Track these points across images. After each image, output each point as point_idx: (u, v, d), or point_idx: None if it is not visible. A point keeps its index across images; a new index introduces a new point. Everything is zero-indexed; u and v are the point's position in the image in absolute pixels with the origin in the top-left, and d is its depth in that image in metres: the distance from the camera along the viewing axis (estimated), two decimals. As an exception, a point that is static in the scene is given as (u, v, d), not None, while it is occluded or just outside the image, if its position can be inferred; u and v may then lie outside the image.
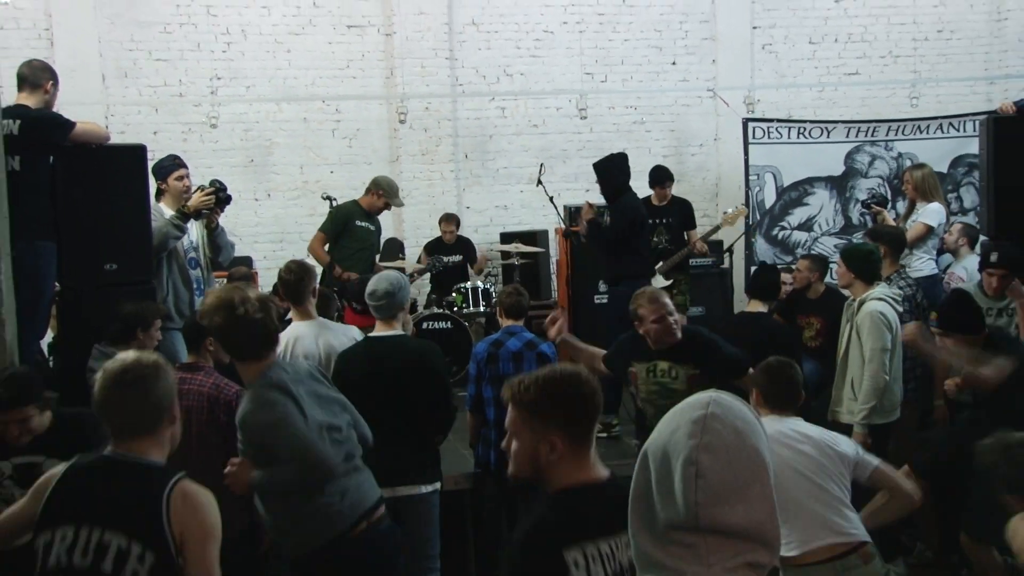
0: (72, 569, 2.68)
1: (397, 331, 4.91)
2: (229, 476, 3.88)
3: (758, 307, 6.22)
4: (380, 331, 4.90)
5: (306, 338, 4.93)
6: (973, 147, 8.33)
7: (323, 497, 3.70)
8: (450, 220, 9.35)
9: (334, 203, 8.23)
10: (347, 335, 5.13)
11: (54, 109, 5.64)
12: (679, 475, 1.53)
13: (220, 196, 6.25)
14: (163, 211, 5.96)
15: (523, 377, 2.50)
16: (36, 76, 5.44)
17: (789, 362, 4.49)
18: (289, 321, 5.01)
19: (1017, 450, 3.54)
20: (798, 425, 4.17)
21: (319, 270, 6.63)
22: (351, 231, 7.87)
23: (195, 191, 6.21)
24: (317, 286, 5.39)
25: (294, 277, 5.12)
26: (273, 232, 10.01)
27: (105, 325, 4.93)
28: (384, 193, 7.87)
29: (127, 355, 2.95)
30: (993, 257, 5.89)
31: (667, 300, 4.97)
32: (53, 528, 2.73)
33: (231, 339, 3.72)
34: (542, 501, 2.51)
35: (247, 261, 8.43)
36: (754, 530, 1.54)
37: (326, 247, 7.78)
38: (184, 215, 6.06)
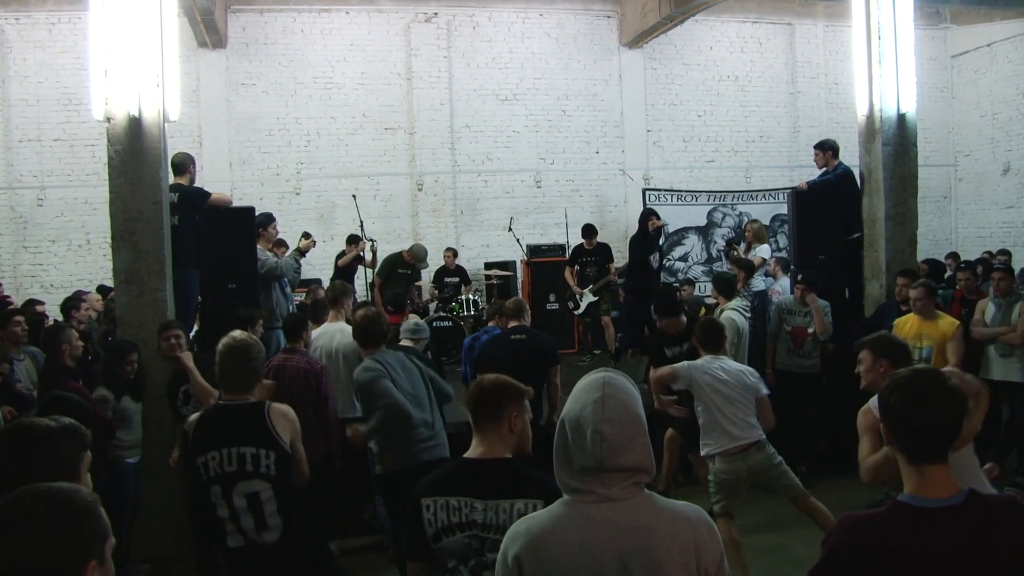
0: (226, 473, 2.66)
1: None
2: (351, 437, 3.99)
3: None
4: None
5: (324, 335, 4.99)
6: (784, 209, 8.55)
7: (408, 433, 3.75)
8: (450, 251, 9.27)
9: (375, 244, 8.20)
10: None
11: (197, 182, 5.63)
12: (589, 439, 1.55)
13: (314, 241, 6.55)
14: (260, 250, 5.88)
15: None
16: (183, 163, 5.47)
17: (714, 319, 4.40)
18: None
19: None
20: (723, 362, 4.04)
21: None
22: (394, 276, 7.96)
23: (300, 238, 6.42)
24: (349, 300, 5.36)
25: (333, 294, 5.28)
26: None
27: (228, 323, 4.80)
28: (412, 258, 7.92)
29: (235, 333, 2.88)
30: (799, 277, 6.04)
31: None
32: (205, 453, 2.68)
33: (364, 333, 3.92)
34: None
35: (317, 282, 8.14)
36: (638, 466, 1.58)
37: (380, 283, 7.94)
38: (301, 253, 6.28)
